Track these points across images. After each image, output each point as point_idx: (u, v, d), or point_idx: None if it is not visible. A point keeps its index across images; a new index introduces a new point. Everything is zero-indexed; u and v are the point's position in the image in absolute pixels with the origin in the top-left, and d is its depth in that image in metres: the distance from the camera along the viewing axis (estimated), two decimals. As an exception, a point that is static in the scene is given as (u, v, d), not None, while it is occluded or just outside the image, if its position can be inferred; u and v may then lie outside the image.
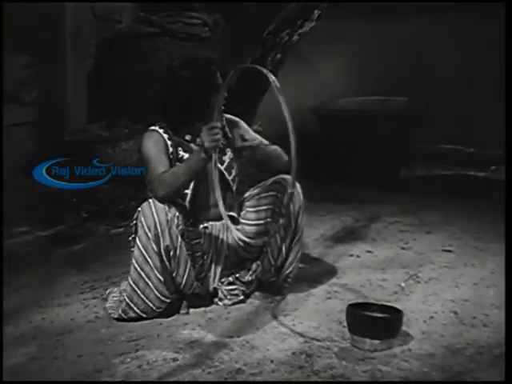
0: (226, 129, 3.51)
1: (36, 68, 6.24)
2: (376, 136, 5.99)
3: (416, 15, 6.75)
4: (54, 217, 4.98)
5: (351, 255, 4.24)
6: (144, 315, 3.31)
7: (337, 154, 6.15)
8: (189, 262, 3.31)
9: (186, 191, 3.38)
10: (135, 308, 3.29)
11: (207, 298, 3.49)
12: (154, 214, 3.19)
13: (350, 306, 3.14)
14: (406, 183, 6.03)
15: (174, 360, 2.90)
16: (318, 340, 3.05)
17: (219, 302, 3.48)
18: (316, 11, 5.48)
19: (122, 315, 3.31)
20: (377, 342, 2.97)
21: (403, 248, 4.38)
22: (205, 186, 3.43)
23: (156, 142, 3.37)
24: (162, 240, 3.20)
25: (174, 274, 3.28)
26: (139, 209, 3.24)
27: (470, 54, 6.65)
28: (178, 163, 3.36)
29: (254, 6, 5.91)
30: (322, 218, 5.01)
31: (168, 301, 3.33)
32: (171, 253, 3.23)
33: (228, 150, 3.52)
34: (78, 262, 4.18)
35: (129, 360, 2.90)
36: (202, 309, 3.43)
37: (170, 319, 3.32)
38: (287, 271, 3.56)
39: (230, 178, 3.50)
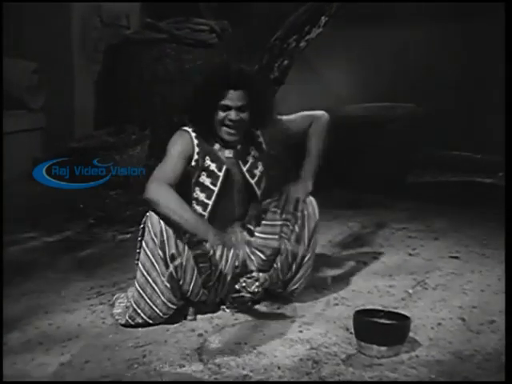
0: (261, 139, 3.46)
1: (43, 74, 6.26)
2: (382, 142, 5.98)
3: (420, 22, 6.76)
4: (60, 223, 4.99)
5: (358, 261, 4.23)
6: (150, 321, 3.30)
7: (344, 159, 6.14)
8: (196, 270, 3.30)
9: (208, 201, 3.34)
10: (142, 314, 3.28)
11: (214, 305, 3.48)
12: (161, 221, 3.17)
13: (357, 312, 3.13)
14: (413, 189, 6.02)
15: (181, 366, 2.89)
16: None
17: (226, 310, 3.48)
18: (323, 17, 5.48)
19: (129, 321, 3.30)
20: (384, 348, 2.95)
21: (411, 254, 4.37)
22: (229, 199, 3.39)
23: (184, 144, 3.29)
24: (167, 248, 3.18)
25: (180, 282, 3.27)
26: (147, 214, 3.22)
27: (475, 60, 6.65)
28: (205, 176, 3.32)
29: (261, 12, 5.93)
30: (329, 223, 5.00)
31: (174, 307, 3.32)
32: (177, 261, 3.22)
33: (259, 163, 3.45)
34: (84, 268, 4.18)
35: (136, 366, 2.89)
36: (209, 315, 3.41)
37: (176, 325, 3.31)
38: (294, 287, 3.53)
39: (259, 192, 3.45)
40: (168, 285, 3.25)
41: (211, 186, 3.34)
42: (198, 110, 3.31)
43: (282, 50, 5.52)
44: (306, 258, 3.48)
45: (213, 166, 3.34)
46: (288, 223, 3.42)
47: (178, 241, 3.19)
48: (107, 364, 2.93)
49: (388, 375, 2.80)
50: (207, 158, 3.33)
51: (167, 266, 3.21)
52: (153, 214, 3.18)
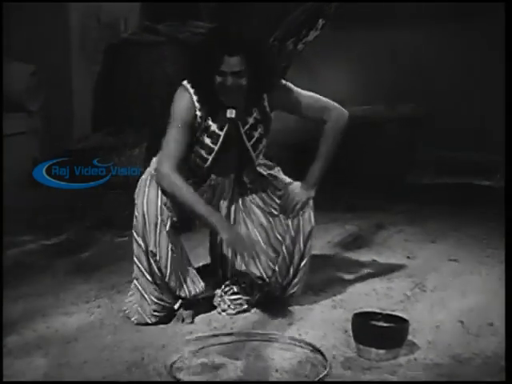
0: (265, 102, 3.35)
1: (41, 76, 6.26)
2: (381, 143, 5.99)
3: (420, 22, 6.76)
4: (58, 225, 4.98)
5: (356, 264, 4.23)
6: (149, 320, 3.32)
7: (342, 160, 6.12)
8: (184, 265, 3.32)
9: (208, 156, 3.32)
10: (139, 309, 3.34)
11: (207, 303, 3.49)
12: (144, 208, 3.22)
13: (355, 315, 3.13)
14: (412, 191, 6.02)
15: (179, 369, 2.89)
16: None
17: (222, 313, 3.48)
18: (320, 20, 5.47)
19: (140, 319, 3.35)
20: (382, 351, 2.95)
21: (408, 257, 4.37)
22: (227, 156, 3.35)
23: (186, 109, 3.25)
24: (148, 244, 3.23)
25: (166, 279, 3.28)
26: (137, 189, 3.32)
27: (475, 60, 6.65)
28: (205, 135, 3.29)
29: (261, 12, 5.93)
30: (326, 226, 4.99)
31: (165, 304, 3.34)
32: (157, 257, 3.23)
33: (260, 125, 3.37)
34: (82, 271, 4.17)
35: (134, 369, 2.89)
36: (208, 318, 3.42)
37: (174, 328, 3.31)
38: (292, 290, 3.52)
39: (253, 155, 3.37)
40: (151, 279, 3.28)
41: (211, 145, 3.31)
42: (196, 75, 3.26)
43: (280, 51, 5.51)
44: (303, 262, 3.47)
45: (214, 127, 3.29)
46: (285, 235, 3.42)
47: (159, 235, 3.21)
48: (106, 365, 2.93)
49: (387, 378, 2.80)
50: (209, 118, 3.29)
51: (149, 262, 3.25)
52: (140, 194, 3.29)
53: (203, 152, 3.32)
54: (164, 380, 2.81)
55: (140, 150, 5.99)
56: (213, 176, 3.38)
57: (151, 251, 3.22)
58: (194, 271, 3.40)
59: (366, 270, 4.12)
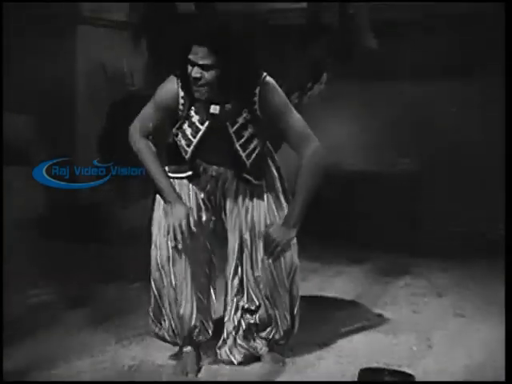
0: (255, 99, 3.17)
1: (47, 129, 6.31)
2: (382, 197, 6.00)
3: (421, 77, 6.82)
4: (64, 279, 4.97)
5: (362, 318, 4.21)
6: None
7: (345, 214, 6.15)
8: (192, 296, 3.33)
9: (187, 149, 3.26)
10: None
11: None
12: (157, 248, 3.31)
13: (361, 370, 3.11)
14: (415, 245, 6.00)
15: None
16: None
17: (230, 356, 3.44)
18: (325, 74, 5.55)
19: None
20: (389, 407, 2.93)
21: (414, 311, 4.35)
22: (211, 154, 3.29)
23: (169, 92, 3.22)
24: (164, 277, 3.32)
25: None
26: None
27: (472, 116, 6.69)
28: (186, 125, 3.23)
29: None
30: (332, 279, 4.99)
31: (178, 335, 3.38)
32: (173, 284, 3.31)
33: (250, 125, 3.23)
34: (87, 325, 4.15)
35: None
36: (215, 369, 3.41)
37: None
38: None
39: (243, 154, 3.26)
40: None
41: (191, 137, 3.25)
42: (176, 62, 3.19)
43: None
44: (295, 308, 3.44)
45: (195, 118, 3.22)
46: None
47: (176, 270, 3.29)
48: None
49: None
50: (192, 108, 3.22)
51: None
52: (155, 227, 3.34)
53: (183, 142, 3.27)
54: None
55: (147, 202, 6.00)
56: (214, 167, 3.31)
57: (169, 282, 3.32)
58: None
59: (371, 324, 4.10)
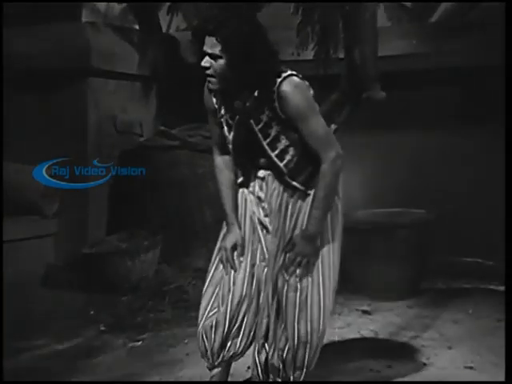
0: (274, 96, 3.10)
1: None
2: (394, 248, 5.98)
3: (432, 127, 6.86)
4: (71, 329, 4.96)
5: (371, 370, 4.18)
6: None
7: (355, 265, 6.13)
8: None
9: (229, 146, 3.26)
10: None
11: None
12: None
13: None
14: (427, 296, 5.97)
15: None
16: None
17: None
18: (333, 125, 5.58)
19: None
20: None
21: (425, 364, 4.31)
22: (244, 151, 3.26)
23: (206, 98, 3.29)
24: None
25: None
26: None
27: (486, 165, 6.71)
28: (224, 123, 3.24)
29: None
30: (341, 331, 4.95)
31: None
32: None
33: (274, 123, 3.15)
34: (95, 376, 4.14)
35: None
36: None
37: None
38: (296, 373, 3.26)
39: (273, 154, 3.17)
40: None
41: (227, 134, 3.26)
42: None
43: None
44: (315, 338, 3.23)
45: (227, 116, 3.23)
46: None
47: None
48: None
49: None
50: (223, 106, 3.24)
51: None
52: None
53: (227, 140, 3.27)
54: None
55: (154, 253, 6.03)
56: (261, 171, 3.25)
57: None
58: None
59: (381, 376, 4.06)
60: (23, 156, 6.03)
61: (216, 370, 3.33)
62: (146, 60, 7.02)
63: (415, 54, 6.79)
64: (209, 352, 3.30)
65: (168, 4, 6.95)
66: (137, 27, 7.36)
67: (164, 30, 7.74)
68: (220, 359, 3.30)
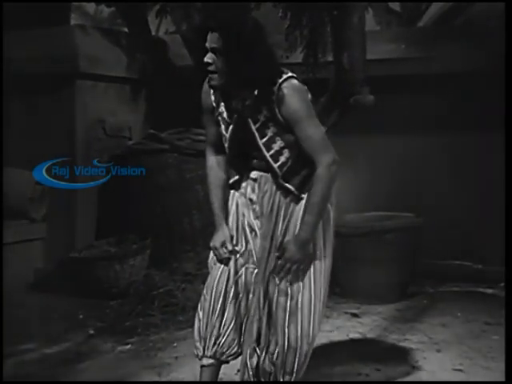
0: (273, 97, 3.08)
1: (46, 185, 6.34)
2: (382, 252, 5.99)
3: (421, 131, 6.87)
4: (59, 334, 4.95)
5: (359, 374, 4.18)
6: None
7: (342, 269, 6.13)
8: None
9: (225, 144, 3.25)
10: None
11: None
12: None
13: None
14: (415, 300, 5.99)
15: None
16: None
17: None
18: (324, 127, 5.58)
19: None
20: None
21: (414, 367, 4.32)
22: (241, 151, 3.24)
23: (204, 97, 3.28)
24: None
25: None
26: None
27: (476, 171, 6.72)
28: (220, 121, 3.23)
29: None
30: (329, 334, 4.95)
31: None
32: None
33: (271, 124, 3.13)
34: (83, 380, 4.12)
35: None
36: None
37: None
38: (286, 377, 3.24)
39: (267, 154, 3.15)
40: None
41: (224, 132, 3.24)
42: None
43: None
44: (307, 345, 3.21)
45: (225, 114, 3.22)
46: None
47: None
48: None
49: None
50: (221, 104, 3.23)
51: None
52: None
53: (223, 139, 3.26)
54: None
55: (143, 257, 6.02)
56: (254, 172, 3.23)
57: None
58: None
59: (369, 380, 4.06)
60: (11, 160, 6.01)
61: (205, 361, 3.27)
62: (134, 63, 7.01)
63: (404, 59, 6.80)
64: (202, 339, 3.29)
65: (157, 7, 6.93)
66: (126, 30, 7.36)
67: (153, 32, 7.75)
68: (211, 349, 3.27)
